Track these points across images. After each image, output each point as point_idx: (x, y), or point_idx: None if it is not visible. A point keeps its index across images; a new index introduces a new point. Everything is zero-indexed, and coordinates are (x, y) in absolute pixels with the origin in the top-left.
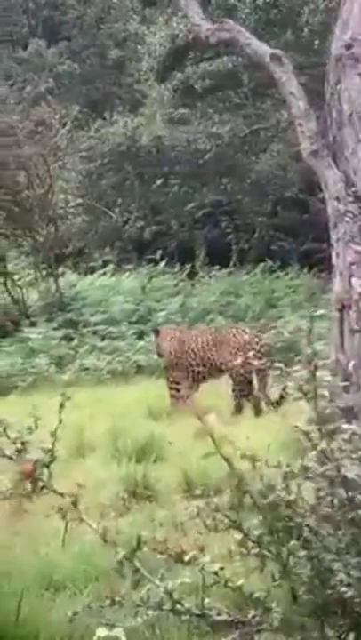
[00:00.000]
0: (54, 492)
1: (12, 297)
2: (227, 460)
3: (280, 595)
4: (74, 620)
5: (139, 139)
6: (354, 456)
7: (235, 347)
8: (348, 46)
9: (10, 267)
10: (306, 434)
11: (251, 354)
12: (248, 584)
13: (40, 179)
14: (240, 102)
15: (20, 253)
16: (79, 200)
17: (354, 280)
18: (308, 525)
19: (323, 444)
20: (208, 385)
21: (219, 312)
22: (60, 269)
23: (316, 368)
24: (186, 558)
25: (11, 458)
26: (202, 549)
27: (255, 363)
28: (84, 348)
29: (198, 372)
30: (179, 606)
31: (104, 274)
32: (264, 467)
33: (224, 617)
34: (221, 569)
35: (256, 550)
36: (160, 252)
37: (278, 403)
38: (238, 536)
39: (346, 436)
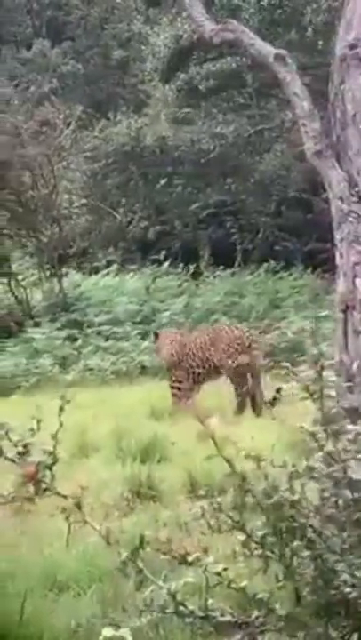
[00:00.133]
0: (57, 494)
1: (16, 297)
2: (228, 461)
3: (284, 595)
4: (81, 625)
5: (143, 139)
6: (359, 456)
7: (226, 343)
8: (352, 46)
9: (14, 267)
10: (312, 434)
11: (232, 349)
12: (251, 585)
13: (44, 179)
14: (244, 102)
15: (25, 254)
16: (83, 200)
17: (358, 281)
18: (311, 526)
19: (329, 445)
20: (209, 385)
21: (223, 312)
22: (64, 270)
23: (322, 368)
24: (189, 559)
25: (13, 461)
26: (205, 550)
27: (245, 358)
28: (87, 348)
29: (199, 374)
30: (182, 608)
31: (108, 274)
32: (268, 467)
33: (228, 618)
34: (225, 570)
35: (260, 551)
36: (164, 252)
37: (272, 403)
38: (242, 537)
39: (351, 437)
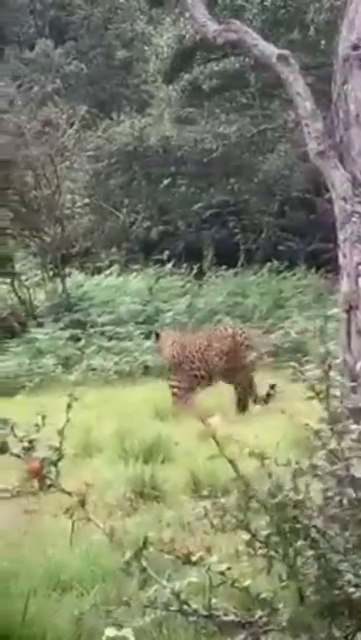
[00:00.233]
0: (62, 490)
1: (20, 297)
2: (231, 462)
3: (287, 595)
4: (81, 620)
5: (146, 139)
6: None
7: (219, 343)
8: (355, 47)
9: (17, 267)
10: (316, 433)
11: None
12: (255, 584)
13: (47, 179)
14: (247, 102)
15: (28, 254)
16: (86, 200)
17: None
18: (315, 526)
19: (333, 444)
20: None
21: (226, 312)
22: (67, 270)
23: (329, 367)
24: (193, 559)
25: (18, 456)
26: (209, 550)
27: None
28: (90, 348)
29: (202, 377)
30: (186, 607)
31: (111, 274)
32: (272, 466)
33: (231, 617)
34: (228, 569)
35: (263, 551)
36: (167, 252)
37: (265, 400)
38: (246, 536)
39: (354, 436)
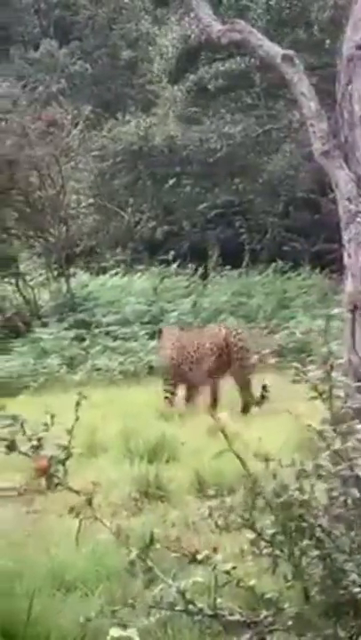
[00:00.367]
0: (69, 489)
1: (24, 297)
2: (239, 457)
3: (292, 595)
4: (87, 622)
5: (151, 139)
6: None
7: (210, 342)
8: (360, 47)
9: (22, 267)
10: (320, 433)
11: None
12: (260, 584)
13: (52, 179)
14: (252, 102)
15: (32, 254)
16: (91, 200)
17: None
18: (320, 525)
19: (337, 444)
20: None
21: (230, 312)
22: (72, 270)
23: (332, 368)
24: (199, 557)
25: (26, 454)
26: (215, 550)
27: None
28: (95, 348)
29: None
30: (191, 606)
31: (116, 274)
32: (277, 466)
33: (237, 617)
34: (234, 568)
35: (269, 550)
36: (172, 252)
37: (258, 402)
38: (251, 536)
39: (359, 436)
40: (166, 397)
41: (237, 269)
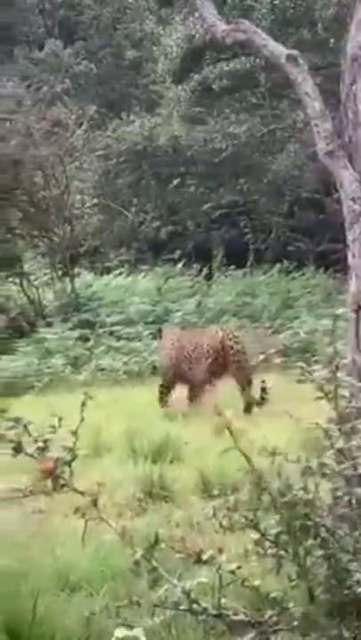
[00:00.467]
0: (75, 490)
1: (29, 297)
2: (245, 454)
3: (297, 595)
4: (91, 620)
5: (155, 138)
6: None
7: (206, 344)
8: None
9: (26, 267)
10: (325, 431)
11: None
12: (265, 584)
13: (56, 179)
14: (257, 102)
15: (37, 254)
16: (95, 200)
17: None
18: (324, 525)
19: (340, 443)
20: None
21: (235, 312)
22: (76, 270)
23: (337, 368)
24: (203, 557)
25: (32, 456)
26: (221, 550)
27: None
28: (99, 348)
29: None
30: (196, 606)
31: (120, 274)
32: (282, 465)
33: (241, 617)
34: (238, 568)
35: (273, 550)
36: (178, 251)
37: (259, 403)
38: (255, 536)
39: None
40: (161, 397)
41: (242, 269)
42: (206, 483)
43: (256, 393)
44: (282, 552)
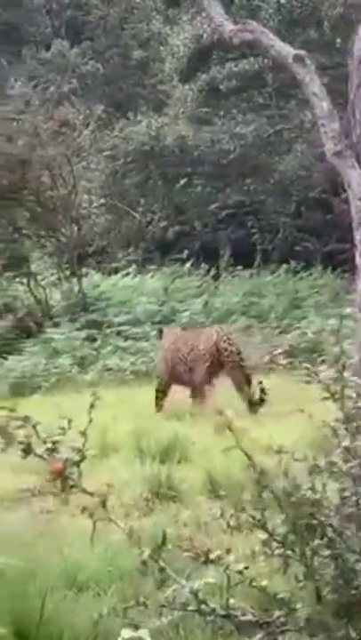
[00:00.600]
0: (84, 491)
1: (36, 297)
2: (245, 452)
3: (304, 595)
4: (99, 621)
5: (163, 138)
6: None
7: (203, 346)
8: None
9: (33, 267)
10: (334, 430)
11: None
12: (272, 584)
13: (63, 179)
14: (264, 102)
15: (44, 254)
16: (102, 200)
17: None
18: (331, 525)
19: (347, 441)
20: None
21: (242, 312)
22: (84, 270)
23: (343, 367)
24: (211, 557)
25: (41, 457)
26: (228, 551)
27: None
28: (107, 348)
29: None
30: (204, 606)
31: (127, 274)
32: (289, 465)
33: (249, 617)
34: (246, 568)
35: (280, 550)
36: (186, 251)
37: (258, 404)
38: (263, 536)
39: None
40: (156, 402)
41: (249, 269)
42: (214, 483)
43: (255, 393)
44: (289, 552)
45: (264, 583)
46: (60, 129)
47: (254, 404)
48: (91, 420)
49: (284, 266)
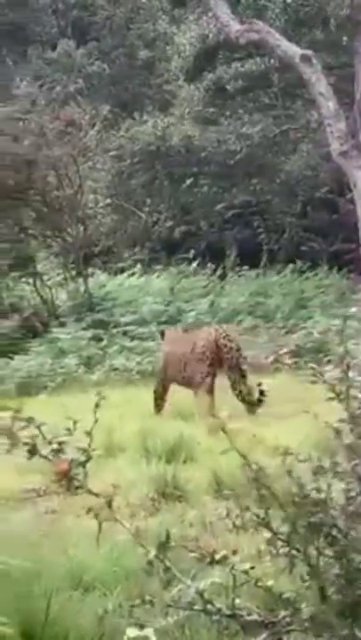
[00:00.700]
0: (89, 491)
1: (42, 297)
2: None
3: (310, 595)
4: (104, 620)
5: (169, 138)
6: None
7: (201, 345)
8: None
9: (39, 267)
10: (337, 431)
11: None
12: (278, 584)
13: (69, 179)
14: (270, 102)
15: (50, 254)
16: (108, 200)
17: None
18: (335, 525)
19: (350, 438)
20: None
21: (248, 312)
22: (90, 270)
23: (348, 368)
24: (217, 557)
25: (47, 458)
26: (235, 552)
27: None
28: (113, 348)
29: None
30: (210, 606)
31: (133, 274)
32: (293, 465)
33: (255, 617)
34: (252, 568)
35: (285, 550)
36: (193, 251)
37: (256, 404)
38: (267, 535)
39: None
40: (155, 404)
41: (255, 269)
42: (219, 483)
43: (255, 394)
44: (294, 552)
45: (270, 583)
46: (66, 129)
47: (252, 405)
48: (96, 420)
49: (290, 266)
